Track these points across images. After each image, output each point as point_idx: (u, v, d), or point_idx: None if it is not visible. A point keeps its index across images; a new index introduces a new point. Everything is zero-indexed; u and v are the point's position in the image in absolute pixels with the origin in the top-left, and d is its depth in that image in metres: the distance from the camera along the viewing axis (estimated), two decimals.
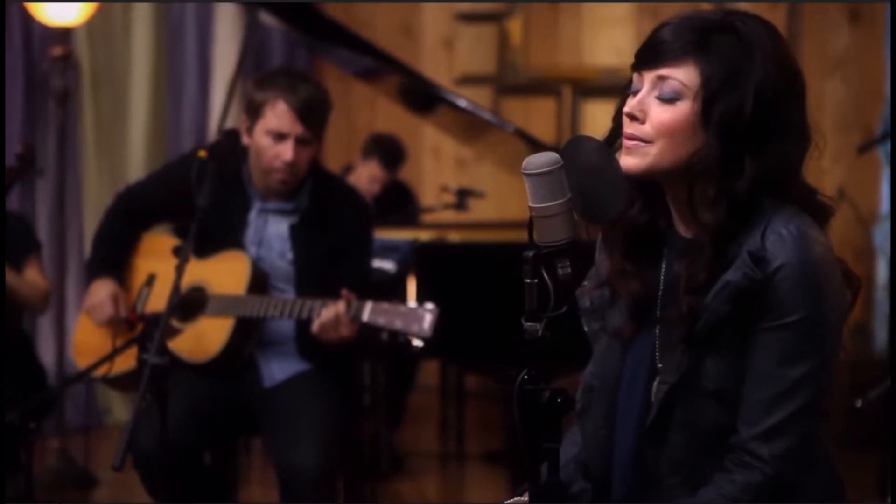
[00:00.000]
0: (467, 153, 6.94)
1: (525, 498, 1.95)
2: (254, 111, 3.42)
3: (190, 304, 3.39)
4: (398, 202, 5.97)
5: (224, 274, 3.41)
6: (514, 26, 7.20)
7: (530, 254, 1.77)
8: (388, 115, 6.67)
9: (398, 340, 3.23)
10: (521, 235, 1.84)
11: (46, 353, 5.20)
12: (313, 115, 3.41)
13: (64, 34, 5.16)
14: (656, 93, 1.88)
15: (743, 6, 4.86)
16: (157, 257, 3.53)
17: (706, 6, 2.04)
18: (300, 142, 3.39)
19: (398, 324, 3.17)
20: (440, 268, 3.91)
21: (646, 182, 1.92)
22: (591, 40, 7.11)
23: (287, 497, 3.29)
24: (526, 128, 5.16)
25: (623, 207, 1.87)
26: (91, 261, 3.60)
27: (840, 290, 1.87)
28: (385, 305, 3.21)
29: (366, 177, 5.84)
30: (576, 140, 1.85)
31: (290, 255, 3.46)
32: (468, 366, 4.77)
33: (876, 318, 6.22)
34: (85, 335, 3.57)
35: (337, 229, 3.47)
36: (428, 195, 6.73)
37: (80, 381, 4.53)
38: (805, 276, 1.81)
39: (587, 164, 1.82)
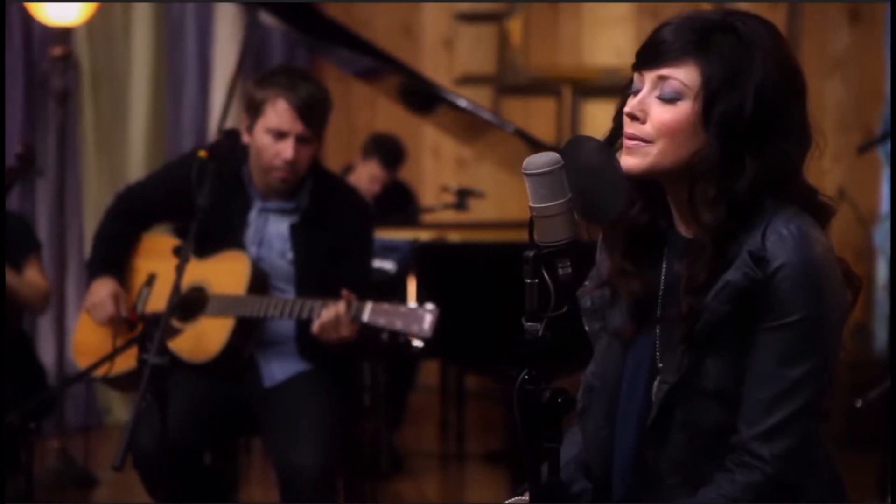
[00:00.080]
0: (467, 153, 6.94)
1: (525, 498, 1.95)
2: (254, 109, 3.42)
3: (190, 304, 3.39)
4: (398, 202, 5.97)
5: (224, 274, 3.41)
6: (514, 26, 7.20)
7: (531, 254, 1.77)
8: (388, 115, 6.67)
9: (398, 341, 3.23)
10: (521, 235, 1.84)
11: (46, 353, 5.20)
12: (314, 113, 3.41)
13: (64, 34, 5.16)
14: (657, 93, 1.88)
15: (743, 6, 4.86)
16: (157, 257, 3.53)
17: (706, 6, 2.04)
18: (300, 140, 3.39)
19: (398, 324, 3.17)
20: (440, 268, 3.92)
21: (646, 182, 1.92)
22: (591, 40, 7.11)
23: (287, 497, 3.29)
24: (526, 128, 5.16)
25: (623, 207, 1.87)
26: (91, 260, 3.60)
27: (840, 290, 1.87)
28: (385, 306, 3.21)
29: (366, 177, 5.83)
30: (576, 140, 1.85)
31: (290, 255, 3.46)
32: (468, 366, 4.77)
33: (876, 318, 6.22)
34: (85, 335, 3.57)
35: (337, 229, 3.47)
36: (428, 195, 6.73)
37: (80, 381, 4.53)
38: (805, 276, 1.81)
39: (587, 164, 1.82)
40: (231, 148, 3.29)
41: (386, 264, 4.59)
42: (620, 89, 1.96)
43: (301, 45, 6.43)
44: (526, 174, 1.79)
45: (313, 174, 3.50)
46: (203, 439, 3.42)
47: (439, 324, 3.16)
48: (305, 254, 3.45)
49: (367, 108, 7.12)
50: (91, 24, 5.78)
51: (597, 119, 6.83)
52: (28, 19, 5.58)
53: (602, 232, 2.00)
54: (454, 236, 5.34)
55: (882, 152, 6.04)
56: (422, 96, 5.13)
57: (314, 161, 3.51)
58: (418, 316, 3.17)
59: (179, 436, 3.12)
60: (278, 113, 3.38)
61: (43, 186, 5.76)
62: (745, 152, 1.84)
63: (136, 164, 6.25)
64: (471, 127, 5.21)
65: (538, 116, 7.05)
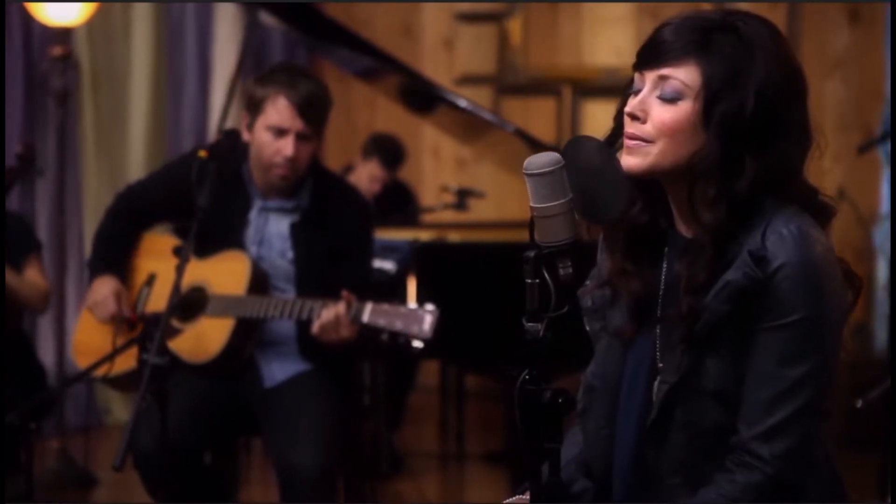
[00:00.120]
0: (467, 153, 6.94)
1: (526, 497, 1.94)
2: (254, 107, 3.42)
3: (190, 304, 3.39)
4: (398, 202, 5.97)
5: (224, 274, 3.41)
6: (514, 26, 7.20)
7: (531, 254, 1.77)
8: (388, 115, 6.67)
9: (398, 341, 3.23)
10: (522, 235, 1.84)
11: (46, 354, 5.20)
12: (314, 110, 3.41)
13: (64, 34, 5.16)
14: (657, 92, 1.88)
15: (743, 6, 4.86)
16: (157, 257, 3.53)
17: (706, 6, 2.04)
18: (300, 137, 3.39)
19: (398, 325, 3.17)
20: (440, 268, 3.92)
21: (647, 182, 1.92)
22: (591, 40, 7.11)
23: (287, 497, 3.29)
24: (526, 128, 5.16)
25: (624, 207, 1.87)
26: (92, 259, 3.60)
27: (840, 290, 1.87)
28: (385, 306, 3.21)
29: (366, 176, 5.83)
30: (576, 140, 1.85)
31: (290, 254, 3.46)
32: (468, 366, 4.77)
33: (876, 318, 6.22)
34: (85, 335, 3.57)
35: (337, 229, 3.46)
36: (428, 195, 6.73)
37: (80, 381, 4.53)
38: (805, 275, 1.81)
39: (588, 164, 1.82)
40: (231, 148, 3.29)
41: (386, 264, 4.59)
42: (620, 89, 1.97)
43: (301, 44, 6.43)
44: (527, 174, 1.79)
45: (314, 173, 3.50)
46: (203, 439, 3.42)
47: (439, 324, 3.16)
48: (306, 253, 3.45)
49: (367, 108, 7.12)
50: (91, 24, 5.78)
51: (597, 119, 6.83)
52: (28, 19, 5.58)
53: (603, 232, 2.00)
54: (454, 236, 5.34)
55: (882, 152, 6.05)
56: (422, 96, 5.13)
57: (314, 160, 3.51)
58: (418, 317, 3.16)
59: (179, 436, 3.12)
60: (278, 110, 3.38)
61: (43, 186, 5.76)
62: (745, 152, 1.84)
63: (136, 164, 6.25)
64: (471, 127, 5.22)
65: (538, 116, 7.05)
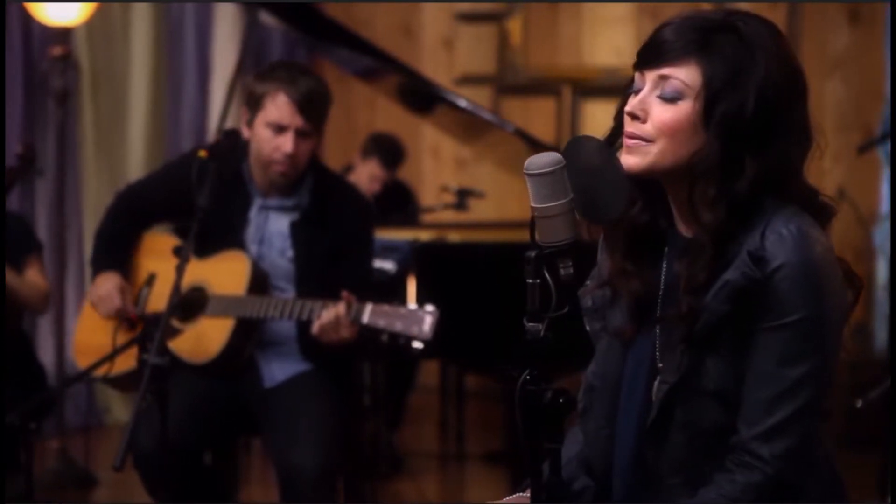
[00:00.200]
0: (467, 153, 6.94)
1: (526, 494, 1.94)
2: (254, 103, 3.42)
3: (190, 304, 3.39)
4: (398, 202, 5.97)
5: (224, 274, 3.41)
6: (514, 26, 7.20)
7: (532, 254, 1.77)
8: (388, 115, 6.67)
9: (398, 342, 3.23)
10: (522, 235, 1.84)
11: (46, 354, 5.20)
12: (313, 107, 3.41)
13: (63, 34, 5.16)
14: (658, 92, 1.88)
15: (743, 6, 4.86)
16: (157, 257, 3.53)
17: (706, 6, 2.04)
18: (300, 134, 3.39)
19: (398, 326, 3.17)
20: (440, 268, 3.91)
21: (647, 181, 1.92)
22: (591, 40, 7.11)
23: (287, 497, 3.29)
24: (525, 128, 5.16)
25: (625, 207, 1.87)
26: (94, 256, 3.59)
27: (840, 289, 1.87)
28: (385, 307, 3.21)
29: (366, 176, 5.83)
30: (576, 140, 1.85)
31: (290, 253, 3.46)
32: (468, 366, 4.77)
33: (876, 318, 6.22)
34: (85, 334, 3.57)
35: (337, 228, 3.46)
36: (427, 195, 6.73)
37: (80, 381, 4.53)
38: (805, 275, 1.81)
39: (589, 164, 1.82)
40: (231, 148, 3.29)
41: (386, 264, 4.59)
42: (620, 89, 1.97)
43: (301, 44, 6.43)
44: (527, 174, 1.79)
45: (314, 172, 3.50)
46: (203, 439, 3.42)
47: (439, 324, 3.16)
48: (306, 252, 3.45)
49: (367, 108, 7.12)
50: (90, 24, 5.78)
51: (596, 119, 6.83)
52: (28, 19, 5.58)
53: (603, 232, 2.00)
54: (454, 236, 5.34)
55: (882, 152, 6.05)
56: (421, 96, 5.13)
57: (315, 159, 3.51)
58: (418, 317, 3.16)
59: (179, 436, 3.12)
60: (278, 107, 3.38)
61: (42, 186, 5.76)
62: (745, 152, 1.84)
63: (136, 164, 6.24)
64: (470, 127, 5.22)
65: (538, 116, 7.05)
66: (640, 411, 1.93)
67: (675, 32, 1.89)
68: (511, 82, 7.21)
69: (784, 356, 1.81)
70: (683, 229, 1.94)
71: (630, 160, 1.88)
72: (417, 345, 3.25)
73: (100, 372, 3.26)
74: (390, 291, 3.94)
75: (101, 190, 5.99)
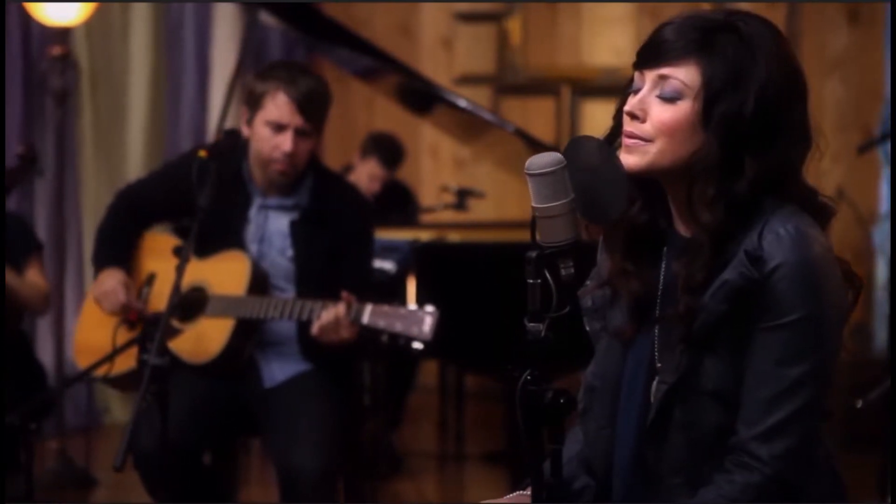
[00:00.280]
0: (466, 153, 6.94)
1: (527, 493, 1.94)
2: (254, 102, 3.42)
3: (190, 304, 3.38)
4: (397, 202, 5.97)
5: (224, 274, 3.41)
6: (514, 26, 7.20)
7: (533, 254, 1.77)
8: (387, 115, 6.67)
9: (398, 342, 3.23)
10: (521, 235, 1.84)
11: (45, 354, 5.19)
12: (313, 106, 3.41)
13: (63, 34, 5.15)
14: (657, 92, 1.88)
15: (743, 6, 4.86)
16: (157, 257, 3.53)
17: (706, 6, 2.03)
18: (299, 133, 3.39)
19: (398, 326, 3.17)
20: (440, 268, 3.92)
21: (646, 181, 1.92)
22: (591, 40, 7.11)
23: (287, 497, 3.29)
24: (525, 128, 5.16)
25: (625, 207, 1.87)
26: (96, 254, 3.58)
27: (839, 289, 1.86)
28: (385, 308, 3.21)
29: (365, 176, 5.83)
30: (577, 140, 1.85)
31: (290, 252, 3.45)
32: (468, 366, 4.77)
33: (876, 318, 6.23)
34: (85, 334, 3.57)
35: (337, 228, 3.46)
36: (427, 195, 6.73)
37: (80, 382, 4.52)
38: (803, 275, 1.80)
39: (589, 164, 1.82)
40: (231, 147, 3.29)
41: (386, 264, 4.59)
42: (620, 89, 1.97)
43: (300, 44, 6.43)
44: (528, 174, 1.78)
45: (314, 172, 3.50)
46: (203, 440, 3.41)
47: (439, 324, 3.15)
48: (305, 251, 3.45)
49: (366, 108, 7.12)
50: (90, 24, 5.78)
51: (596, 119, 6.83)
52: (27, 19, 5.58)
53: (603, 232, 2.00)
54: (454, 236, 5.34)
55: (881, 152, 6.05)
56: (421, 96, 5.13)
57: (314, 159, 3.51)
58: (418, 318, 3.16)
59: (179, 436, 3.11)
60: (278, 106, 3.38)
61: (41, 186, 5.75)
62: (744, 152, 1.84)
63: (135, 164, 6.24)
64: (470, 127, 5.21)
65: (537, 116, 7.05)
66: (640, 411, 1.93)
67: (675, 32, 1.89)
68: (510, 82, 7.21)
69: (783, 356, 1.81)
70: (682, 229, 1.94)
71: (629, 160, 1.88)
72: (417, 345, 3.25)
73: (100, 372, 3.26)
74: (390, 291, 3.95)
75: (101, 190, 5.99)
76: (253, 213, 3.47)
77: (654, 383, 1.91)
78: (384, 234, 4.52)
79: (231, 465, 3.85)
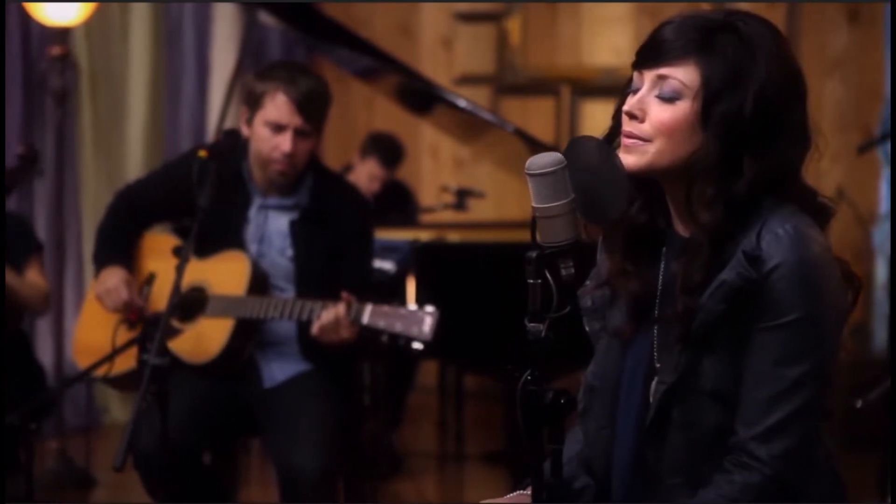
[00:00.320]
0: (466, 153, 6.94)
1: (527, 492, 1.94)
2: (253, 102, 3.42)
3: (190, 304, 3.38)
4: (397, 202, 5.97)
5: (224, 274, 3.41)
6: (513, 26, 7.20)
7: (534, 254, 1.77)
8: (387, 115, 6.67)
9: (398, 343, 3.23)
10: (521, 235, 1.84)
11: (44, 354, 5.19)
12: (313, 107, 3.41)
13: (62, 34, 5.15)
14: (656, 92, 1.88)
15: (742, 6, 4.86)
16: (157, 257, 3.53)
17: (706, 6, 2.03)
18: (299, 134, 3.39)
19: (398, 326, 3.17)
20: (440, 268, 3.91)
21: (645, 181, 1.92)
22: (590, 40, 7.11)
23: (287, 497, 3.29)
24: (524, 128, 5.15)
25: (626, 207, 1.87)
26: (97, 253, 3.58)
27: (838, 289, 1.86)
28: (385, 308, 3.21)
29: (365, 175, 5.83)
30: (577, 140, 1.85)
31: (290, 252, 3.45)
32: (467, 366, 4.77)
33: (875, 318, 6.22)
34: (85, 334, 3.57)
35: (337, 227, 3.46)
36: (426, 195, 6.72)
37: (80, 382, 4.52)
38: (802, 275, 1.80)
39: (589, 165, 1.82)
40: (231, 147, 3.29)
41: (386, 264, 4.59)
42: (619, 89, 1.97)
43: (300, 44, 6.43)
44: (529, 174, 1.78)
45: (313, 171, 3.50)
46: (203, 440, 3.41)
47: (439, 324, 3.15)
48: (305, 251, 3.45)
49: (366, 108, 7.12)
50: (89, 24, 5.78)
51: (595, 119, 6.83)
52: (26, 19, 5.58)
53: (602, 232, 2.00)
54: (454, 236, 5.34)
55: (881, 152, 6.05)
56: (420, 96, 5.12)
57: (314, 158, 3.51)
58: (418, 318, 3.16)
59: (179, 436, 3.11)
60: (277, 106, 3.38)
61: (41, 186, 5.75)
62: (744, 153, 1.84)
63: (135, 164, 6.24)
64: (469, 127, 5.21)
65: (537, 116, 7.05)
66: (639, 411, 1.93)
67: (675, 32, 1.89)
68: (510, 82, 7.21)
69: (782, 356, 1.81)
70: (681, 229, 1.94)
71: (628, 159, 1.88)
72: (417, 345, 3.25)
73: (99, 372, 3.26)
74: (390, 292, 3.95)
75: (100, 190, 5.99)
76: (253, 212, 3.47)
77: (653, 383, 1.91)
78: (384, 234, 4.52)
79: (231, 465, 3.85)
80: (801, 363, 1.81)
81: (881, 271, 6.14)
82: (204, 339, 3.38)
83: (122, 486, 4.48)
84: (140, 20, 6.30)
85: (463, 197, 5.79)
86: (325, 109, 3.48)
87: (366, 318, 3.21)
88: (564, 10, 7.14)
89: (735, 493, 1.82)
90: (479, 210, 6.14)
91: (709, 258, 1.84)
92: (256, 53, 6.22)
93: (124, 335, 3.32)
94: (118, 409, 5.96)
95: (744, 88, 1.84)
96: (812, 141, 1.90)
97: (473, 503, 4.68)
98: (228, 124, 4.79)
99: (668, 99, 1.86)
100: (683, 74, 1.86)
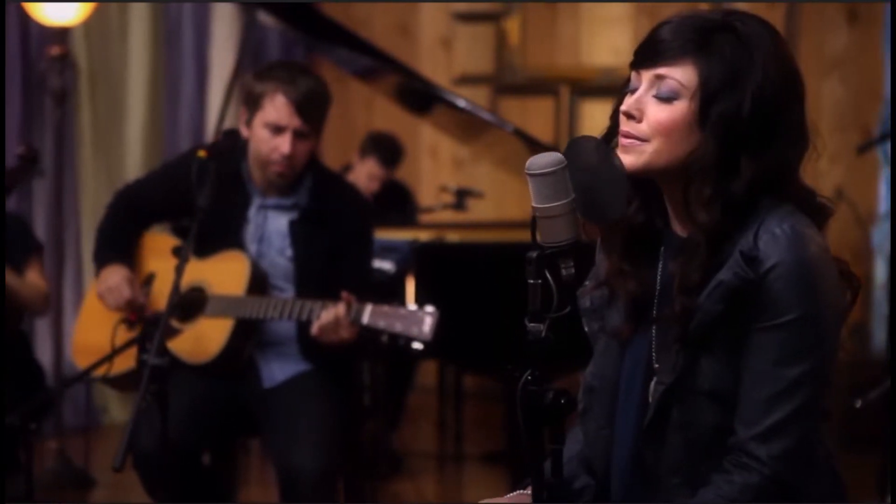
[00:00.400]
0: (465, 153, 6.94)
1: (527, 492, 1.94)
2: (253, 103, 3.42)
3: (189, 304, 3.38)
4: (396, 202, 5.97)
5: (224, 274, 3.41)
6: (512, 26, 7.20)
7: (534, 254, 1.77)
8: (386, 115, 6.67)
9: (398, 343, 3.23)
10: (521, 235, 1.84)
11: (44, 354, 5.19)
12: (312, 108, 3.40)
13: (61, 34, 5.15)
14: (654, 91, 1.88)
15: (741, 6, 4.85)
16: (156, 257, 3.53)
17: (704, 6, 2.04)
18: (298, 135, 3.39)
19: (398, 327, 3.17)
20: (439, 268, 3.91)
21: (643, 181, 1.92)
22: (589, 40, 7.11)
23: (287, 498, 3.29)
24: (524, 128, 5.15)
25: (626, 207, 1.87)
26: (97, 252, 3.57)
27: (837, 289, 1.87)
28: (385, 308, 3.21)
29: (364, 175, 5.83)
30: (577, 140, 1.85)
31: (289, 252, 3.45)
32: (467, 366, 4.77)
33: (874, 318, 6.22)
34: (85, 334, 3.57)
35: (337, 227, 3.46)
36: (426, 195, 6.72)
37: (79, 382, 4.52)
38: (799, 275, 1.80)
39: (589, 164, 1.82)
40: (230, 148, 3.29)
41: (385, 264, 4.59)
42: (618, 89, 1.97)
43: (299, 44, 6.43)
44: (529, 174, 1.78)
45: (313, 171, 3.50)
46: (203, 440, 3.42)
47: (439, 324, 3.15)
48: (305, 251, 3.45)
49: (365, 108, 7.12)
50: (88, 24, 5.78)
51: (595, 119, 6.82)
52: (26, 19, 5.58)
53: (600, 232, 2.00)
54: (453, 236, 5.34)
55: (881, 152, 6.05)
56: (420, 96, 5.12)
57: (314, 158, 3.51)
58: (418, 318, 3.16)
59: (179, 436, 3.12)
60: (276, 107, 3.38)
61: (40, 186, 5.75)
62: (741, 153, 1.84)
63: (134, 164, 6.24)
64: (469, 127, 5.21)
65: (536, 116, 7.05)
66: (638, 412, 1.93)
67: (672, 32, 1.89)
68: (509, 82, 7.21)
69: (780, 356, 1.81)
70: (679, 229, 1.94)
71: (625, 159, 1.88)
72: (417, 345, 3.25)
73: (99, 372, 3.26)
74: (389, 292, 3.94)
75: (99, 190, 5.99)
76: (252, 212, 3.47)
77: (652, 383, 1.91)
78: (383, 234, 4.52)
79: (231, 465, 3.85)
80: (800, 363, 1.81)
81: (880, 271, 6.14)
82: (203, 339, 3.38)
83: (122, 486, 4.48)
84: (139, 20, 6.31)
85: (462, 197, 5.79)
86: (324, 110, 3.48)
87: (366, 319, 3.21)
88: (563, 10, 7.14)
89: (734, 494, 1.82)
90: (478, 210, 6.14)
91: (706, 258, 1.85)
92: (256, 53, 6.22)
93: (123, 335, 3.31)
94: (117, 410, 5.96)
95: (742, 88, 1.84)
96: (810, 141, 1.90)
97: (473, 503, 4.69)
98: (227, 124, 4.78)
99: (666, 99, 1.86)
100: (681, 74, 1.86)
